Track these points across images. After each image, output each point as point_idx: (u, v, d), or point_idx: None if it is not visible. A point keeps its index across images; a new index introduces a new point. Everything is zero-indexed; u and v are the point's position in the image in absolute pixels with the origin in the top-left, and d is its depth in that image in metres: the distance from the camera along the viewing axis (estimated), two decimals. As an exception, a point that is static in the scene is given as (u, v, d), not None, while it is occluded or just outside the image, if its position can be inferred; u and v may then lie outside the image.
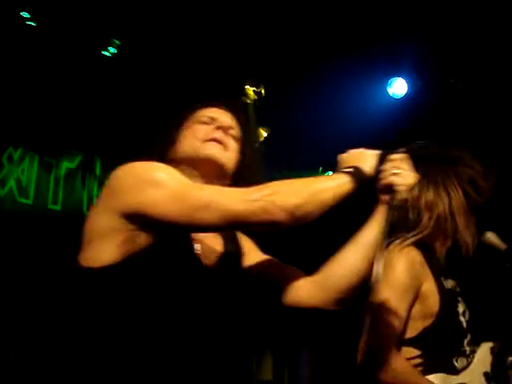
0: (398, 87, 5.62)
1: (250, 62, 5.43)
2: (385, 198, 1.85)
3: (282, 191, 1.65)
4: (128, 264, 1.65)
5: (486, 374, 2.30)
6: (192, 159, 1.90)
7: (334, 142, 5.85)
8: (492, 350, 2.36)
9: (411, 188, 1.84)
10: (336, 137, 5.74)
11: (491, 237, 2.46)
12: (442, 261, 2.45)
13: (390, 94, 5.65)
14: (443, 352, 2.30)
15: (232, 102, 2.12)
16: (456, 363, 2.31)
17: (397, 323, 2.22)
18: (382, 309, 2.20)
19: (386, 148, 1.83)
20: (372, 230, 1.88)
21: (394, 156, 1.83)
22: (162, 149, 1.97)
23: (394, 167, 1.81)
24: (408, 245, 2.37)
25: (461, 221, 2.42)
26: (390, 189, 1.81)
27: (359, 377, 2.24)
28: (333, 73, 5.32)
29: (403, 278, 2.29)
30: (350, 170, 1.79)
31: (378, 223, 1.87)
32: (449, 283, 2.45)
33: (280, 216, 1.61)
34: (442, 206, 2.40)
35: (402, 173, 1.80)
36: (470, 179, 2.45)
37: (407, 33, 5.31)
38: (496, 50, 5.17)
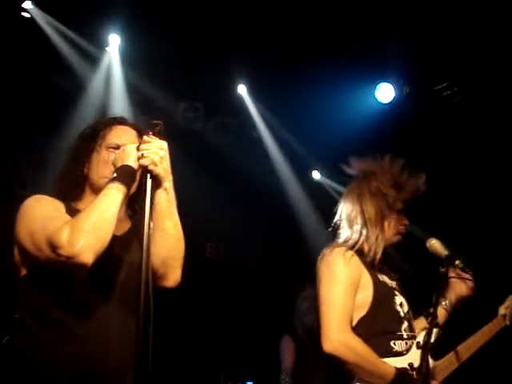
0: (385, 92, 5.76)
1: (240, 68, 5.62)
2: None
3: (67, 239, 1.91)
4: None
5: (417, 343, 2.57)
6: (98, 187, 2.16)
7: (321, 145, 6.05)
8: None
9: (160, 161, 2.01)
10: (323, 140, 5.92)
11: (434, 243, 2.68)
12: (376, 260, 2.70)
13: (377, 99, 5.79)
14: (381, 336, 2.58)
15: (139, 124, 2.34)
16: (394, 346, 2.60)
17: (349, 309, 2.56)
18: (333, 300, 2.55)
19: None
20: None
21: (141, 141, 2.05)
22: (79, 165, 2.27)
23: (141, 151, 2.03)
24: (341, 247, 2.67)
25: (387, 223, 2.71)
26: (146, 169, 2.02)
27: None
28: (320, 77, 5.46)
29: (345, 273, 2.59)
30: (115, 175, 2.04)
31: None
32: (384, 278, 2.72)
33: (79, 260, 1.91)
34: (369, 214, 2.70)
35: (145, 153, 2.01)
36: (392, 183, 2.73)
37: (395, 39, 5.45)
38: (484, 55, 5.27)
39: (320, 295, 2.60)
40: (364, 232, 2.67)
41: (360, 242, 2.67)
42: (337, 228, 2.78)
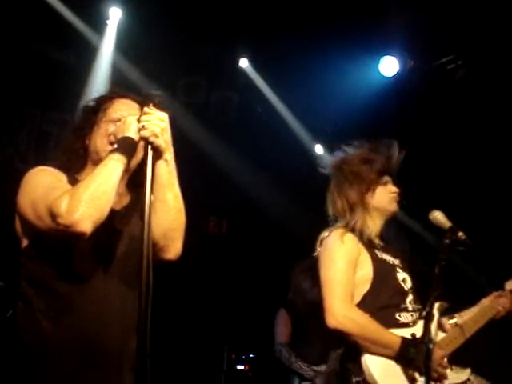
0: (389, 66, 5.71)
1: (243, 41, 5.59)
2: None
3: (66, 208, 1.92)
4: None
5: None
6: (100, 159, 2.13)
7: (325, 118, 6.03)
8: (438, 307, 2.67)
9: (161, 133, 2.00)
10: (326, 114, 5.90)
11: (437, 215, 2.68)
12: (374, 236, 2.77)
13: (381, 73, 5.75)
14: (385, 310, 2.65)
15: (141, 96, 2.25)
16: (399, 318, 2.66)
17: (350, 284, 2.64)
18: (334, 277, 2.65)
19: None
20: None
21: (142, 113, 2.03)
22: (81, 137, 2.25)
23: (141, 122, 2.00)
24: (338, 229, 2.75)
25: (369, 195, 2.78)
26: (147, 141, 2.01)
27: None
28: (323, 51, 5.42)
29: (342, 252, 2.68)
30: (115, 147, 2.06)
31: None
32: (385, 256, 2.77)
33: (78, 229, 1.91)
34: (352, 199, 2.78)
35: (146, 125, 1.99)
36: (360, 160, 2.81)
37: (399, 11, 5.38)
38: (489, 27, 5.21)
39: (321, 275, 2.69)
40: (354, 216, 2.74)
41: (355, 227, 2.73)
42: (332, 223, 2.85)
